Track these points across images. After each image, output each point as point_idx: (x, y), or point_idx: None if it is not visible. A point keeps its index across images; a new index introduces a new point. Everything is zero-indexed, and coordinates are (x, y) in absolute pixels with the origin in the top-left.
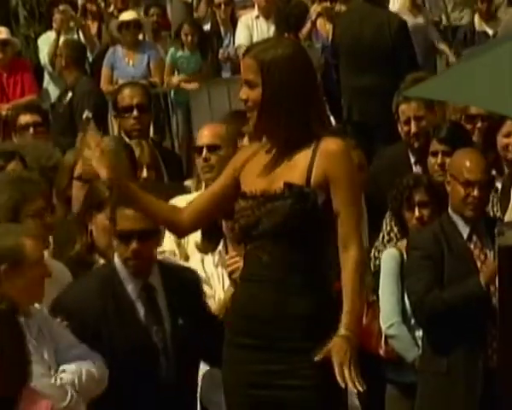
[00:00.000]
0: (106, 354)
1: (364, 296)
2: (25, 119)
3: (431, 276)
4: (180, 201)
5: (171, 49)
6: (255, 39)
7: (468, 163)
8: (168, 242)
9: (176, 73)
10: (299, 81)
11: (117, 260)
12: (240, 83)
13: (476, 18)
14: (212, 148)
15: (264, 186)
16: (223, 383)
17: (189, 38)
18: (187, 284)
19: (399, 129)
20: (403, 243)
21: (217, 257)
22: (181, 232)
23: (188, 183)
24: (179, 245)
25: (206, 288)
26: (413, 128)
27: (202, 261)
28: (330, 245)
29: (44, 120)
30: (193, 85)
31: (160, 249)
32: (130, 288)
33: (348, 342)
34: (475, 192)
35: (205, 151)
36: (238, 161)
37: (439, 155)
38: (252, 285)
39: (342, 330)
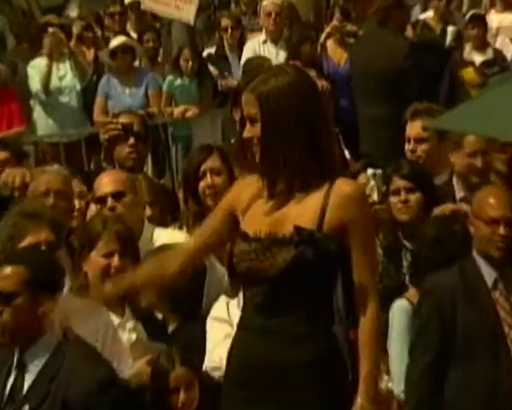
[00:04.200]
0: None
1: (379, 357)
2: None
3: (435, 353)
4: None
5: (169, 78)
6: None
7: (491, 200)
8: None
9: (173, 103)
10: (302, 111)
11: None
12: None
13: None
14: (117, 195)
15: (270, 228)
16: None
17: (190, 63)
18: (76, 379)
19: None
20: (412, 292)
21: (241, 299)
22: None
23: (171, 227)
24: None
25: (229, 329)
26: (409, 145)
27: (227, 304)
28: (335, 293)
29: (17, 157)
30: (193, 112)
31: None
32: (2, 358)
33: None
34: (501, 230)
35: (110, 200)
36: (236, 196)
37: (402, 192)
38: (251, 335)
39: (359, 399)
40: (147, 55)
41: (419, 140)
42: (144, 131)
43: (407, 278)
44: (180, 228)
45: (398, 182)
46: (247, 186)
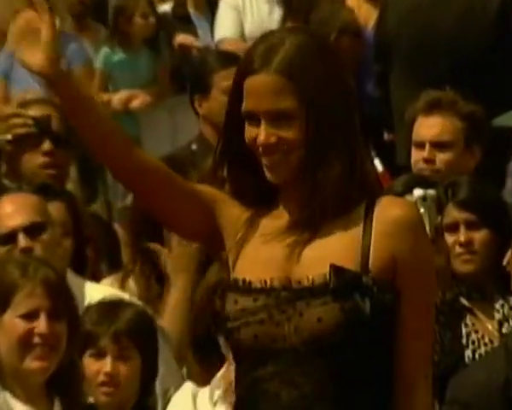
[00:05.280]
0: None
1: None
2: None
3: None
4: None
5: (105, 50)
6: (250, 30)
7: None
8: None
9: (112, 87)
10: (345, 99)
11: None
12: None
13: None
14: (32, 230)
15: (286, 273)
16: None
17: (151, 20)
18: None
19: (412, 155)
20: None
21: (217, 391)
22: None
23: (107, 281)
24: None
25: None
26: (422, 152)
27: (194, 396)
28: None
29: None
30: (141, 101)
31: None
32: None
33: None
34: None
35: (22, 238)
36: (228, 207)
37: (462, 229)
38: None
39: None
40: (71, 13)
41: (438, 145)
42: (66, 130)
43: (467, 353)
44: (124, 280)
45: (455, 214)
46: (244, 211)
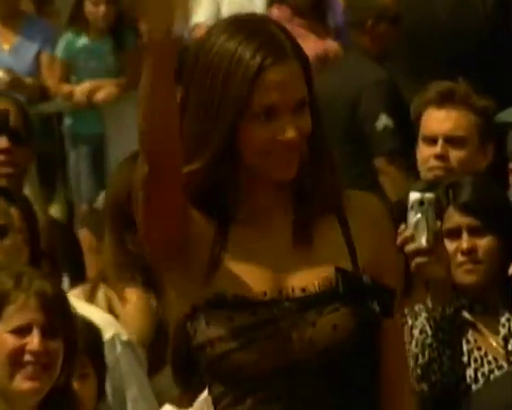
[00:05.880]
0: None
1: None
2: None
3: None
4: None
5: (68, 37)
6: (227, 14)
7: None
8: None
9: (75, 78)
10: None
11: None
12: None
13: None
14: None
15: (283, 281)
16: None
17: (102, 9)
18: None
19: (417, 153)
20: None
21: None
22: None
23: (75, 292)
24: None
25: None
26: (433, 148)
27: None
28: None
29: None
30: (107, 93)
31: None
32: None
33: None
34: None
35: None
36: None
37: (464, 235)
38: None
39: None
40: None
41: (453, 141)
42: (25, 125)
43: (469, 372)
44: (93, 292)
45: (457, 218)
46: (210, 220)
